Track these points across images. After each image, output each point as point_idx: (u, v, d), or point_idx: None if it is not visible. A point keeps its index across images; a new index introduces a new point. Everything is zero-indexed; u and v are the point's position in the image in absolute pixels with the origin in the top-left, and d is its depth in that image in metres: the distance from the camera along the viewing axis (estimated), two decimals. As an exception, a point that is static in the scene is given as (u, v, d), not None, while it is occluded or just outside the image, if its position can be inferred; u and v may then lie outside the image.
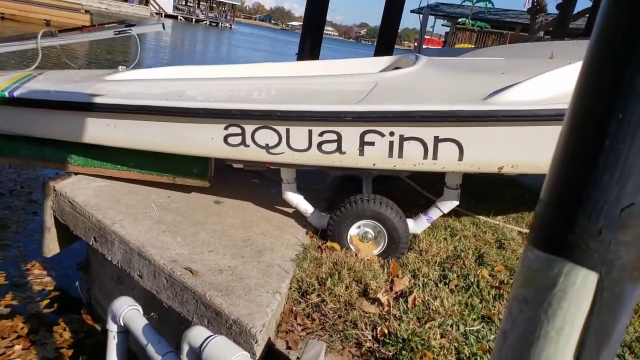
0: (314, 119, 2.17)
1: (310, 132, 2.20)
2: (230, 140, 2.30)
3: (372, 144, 2.17)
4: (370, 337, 1.82)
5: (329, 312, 1.94)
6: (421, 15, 11.61)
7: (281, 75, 3.05)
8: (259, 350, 1.68)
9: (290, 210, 2.77)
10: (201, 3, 57.87)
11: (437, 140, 2.13)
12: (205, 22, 54.28)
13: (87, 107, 2.44)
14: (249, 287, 1.94)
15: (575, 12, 12.79)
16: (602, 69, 0.49)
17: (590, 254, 0.47)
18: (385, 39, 8.48)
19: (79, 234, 2.54)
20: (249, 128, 2.26)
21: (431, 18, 27.19)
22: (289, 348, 1.77)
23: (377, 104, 2.15)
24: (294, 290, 2.06)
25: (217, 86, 2.57)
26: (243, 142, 2.29)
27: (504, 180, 3.91)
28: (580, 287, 0.48)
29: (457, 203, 2.54)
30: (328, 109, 2.15)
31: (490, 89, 2.16)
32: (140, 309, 1.94)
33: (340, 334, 1.85)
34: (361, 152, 2.20)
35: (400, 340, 1.77)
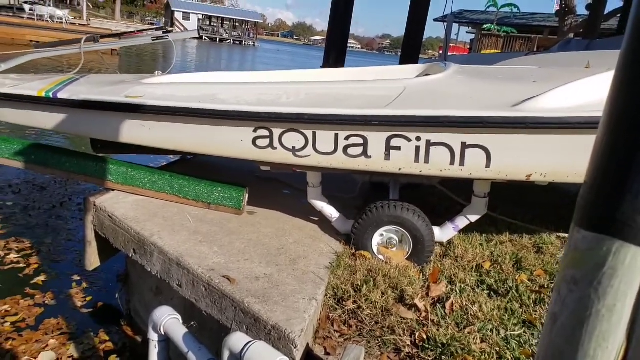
0: (340, 122, 2.19)
1: (336, 135, 2.22)
2: (259, 142, 2.35)
3: (398, 148, 2.17)
4: (409, 343, 1.80)
5: (365, 318, 1.94)
6: (445, 24, 11.56)
7: (310, 80, 3.09)
8: (298, 355, 1.69)
9: (322, 220, 2.79)
10: (225, 23, 59.32)
11: (464, 146, 2.11)
12: (229, 40, 55.60)
13: (124, 107, 2.54)
14: (285, 293, 1.97)
15: (606, 12, 12.48)
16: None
17: (638, 231, 0.47)
18: (410, 50, 8.47)
19: (119, 247, 2.63)
20: (276, 131, 2.30)
21: (455, 26, 27.01)
22: (327, 354, 1.78)
23: (404, 109, 2.15)
24: (329, 297, 2.06)
25: (248, 90, 2.63)
26: (271, 145, 2.34)
27: (539, 186, 3.83)
28: (630, 264, 0.48)
29: (485, 212, 2.50)
30: (354, 113, 2.16)
31: (520, 96, 2.13)
32: (180, 318, 1.99)
33: (378, 340, 1.84)
34: (387, 157, 2.20)
35: (440, 345, 1.75)
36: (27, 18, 25.88)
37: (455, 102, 2.24)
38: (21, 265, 3.56)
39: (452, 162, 2.13)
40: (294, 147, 2.31)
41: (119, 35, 3.79)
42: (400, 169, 2.22)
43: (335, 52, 7.50)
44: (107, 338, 2.93)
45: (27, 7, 28.87)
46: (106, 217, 2.66)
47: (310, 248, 2.45)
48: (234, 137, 2.39)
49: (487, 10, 27.48)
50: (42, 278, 3.43)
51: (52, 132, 3.02)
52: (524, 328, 1.88)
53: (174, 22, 47.71)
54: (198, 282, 2.10)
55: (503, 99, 2.15)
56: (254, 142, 2.35)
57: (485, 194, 2.44)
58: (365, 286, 2.08)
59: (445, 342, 1.75)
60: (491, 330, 1.84)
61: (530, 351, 1.72)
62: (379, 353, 1.78)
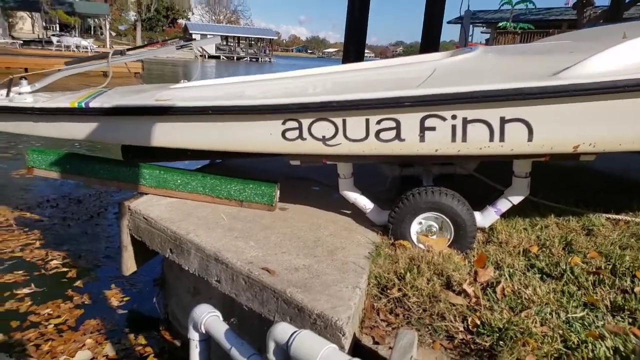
0: (370, 106, 2.11)
1: (367, 120, 2.14)
2: (288, 134, 2.30)
3: (433, 129, 2.07)
4: (461, 329, 1.70)
5: (412, 306, 1.85)
6: (460, 25, 11.42)
7: (335, 71, 3.03)
8: (346, 343, 1.61)
9: (356, 213, 2.71)
10: (241, 42, 60.30)
11: (503, 121, 2.01)
12: (245, 58, 56.54)
13: (154, 111, 2.55)
14: (327, 283, 1.89)
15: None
16: None
17: None
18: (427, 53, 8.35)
19: (155, 248, 2.60)
20: (305, 121, 2.24)
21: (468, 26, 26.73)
22: (376, 343, 1.69)
23: (437, 87, 2.06)
24: (372, 287, 1.98)
25: (274, 85, 2.60)
26: (300, 136, 2.28)
27: (576, 169, 3.68)
28: None
29: (527, 193, 2.38)
30: (385, 96, 2.08)
31: (559, 66, 2.02)
32: (220, 315, 1.94)
33: (428, 328, 1.74)
34: (422, 139, 2.10)
35: (496, 330, 1.64)
36: (55, 49, 27.07)
37: (489, 77, 2.14)
38: (63, 272, 3.65)
39: (491, 139, 2.03)
40: (324, 137, 2.24)
41: (144, 46, 3.84)
42: (436, 150, 2.12)
43: (352, 60, 7.46)
44: (145, 342, 2.91)
45: (54, 39, 30.37)
46: (141, 220, 2.65)
47: (346, 240, 2.38)
48: (263, 131, 2.35)
49: (501, 8, 27.03)
50: (81, 284, 3.50)
51: (87, 141, 3.06)
52: (585, 310, 1.75)
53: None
54: (237, 275, 2.04)
55: (540, 70, 2.06)
56: (283, 134, 2.31)
57: (526, 173, 2.32)
58: (409, 274, 1.99)
59: (501, 326, 1.65)
60: (550, 313, 1.72)
61: (597, 332, 1.59)
62: (431, 340, 1.69)
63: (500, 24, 26.02)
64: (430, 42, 8.32)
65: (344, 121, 2.19)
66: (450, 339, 1.69)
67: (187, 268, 2.35)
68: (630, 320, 1.70)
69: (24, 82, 3.07)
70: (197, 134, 2.53)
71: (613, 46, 1.98)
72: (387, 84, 2.26)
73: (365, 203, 2.59)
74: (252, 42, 62.09)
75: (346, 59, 7.49)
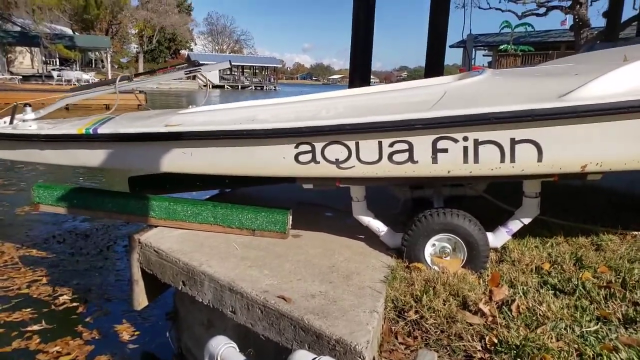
0: (383, 129, 2.16)
1: (380, 143, 2.19)
2: (301, 158, 2.33)
3: (445, 150, 2.13)
4: (479, 348, 1.72)
5: (430, 327, 1.86)
6: (462, 48, 11.64)
7: (346, 95, 3.07)
8: (366, 367, 1.63)
9: (370, 237, 2.75)
10: (245, 70, 61.23)
11: (513, 142, 2.06)
12: (250, 87, 57.23)
13: (164, 136, 2.56)
14: (344, 308, 1.92)
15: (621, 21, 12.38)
16: None
17: None
18: (432, 77, 8.48)
19: (167, 281, 2.61)
20: (318, 144, 2.28)
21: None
22: (395, 366, 1.71)
23: (448, 110, 2.12)
24: (389, 310, 2.00)
25: (286, 108, 2.63)
26: (313, 159, 2.31)
27: (583, 189, 3.72)
28: None
29: (537, 213, 2.42)
30: (397, 118, 2.14)
31: (565, 88, 2.09)
32: (236, 346, 1.96)
33: (446, 349, 1.76)
34: (434, 160, 2.15)
35: (514, 347, 1.66)
36: (56, 83, 27.19)
37: (499, 99, 2.20)
38: (72, 308, 3.63)
39: (502, 160, 2.08)
40: (337, 160, 2.28)
41: (154, 72, 3.81)
42: (449, 172, 2.17)
43: (358, 86, 7.57)
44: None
45: (55, 73, 30.38)
46: (152, 253, 2.67)
47: (361, 264, 2.41)
48: (275, 154, 2.38)
49: (502, 32, 27.65)
50: (92, 319, 3.47)
51: (95, 168, 3.05)
52: (599, 324, 1.77)
53: (196, 75, 49.48)
54: (253, 305, 2.07)
55: (548, 92, 2.11)
56: (296, 158, 2.34)
57: (536, 193, 2.36)
58: (425, 296, 2.01)
59: (518, 343, 1.66)
60: (565, 328, 1.74)
61: (612, 345, 1.61)
62: (450, 361, 1.70)
63: (501, 47, 26.55)
64: (434, 66, 8.48)
65: (357, 144, 2.23)
66: (469, 358, 1.70)
67: (200, 300, 2.36)
68: (644, 332, 1.71)
69: (28, 109, 3.04)
70: (208, 158, 2.55)
71: (615, 69, 2.05)
72: (398, 107, 2.30)
73: (378, 226, 2.62)
74: (257, 71, 62.96)
75: (352, 85, 7.61)
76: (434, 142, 2.13)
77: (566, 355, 1.58)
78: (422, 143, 2.15)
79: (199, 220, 2.87)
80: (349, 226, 2.89)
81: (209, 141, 2.49)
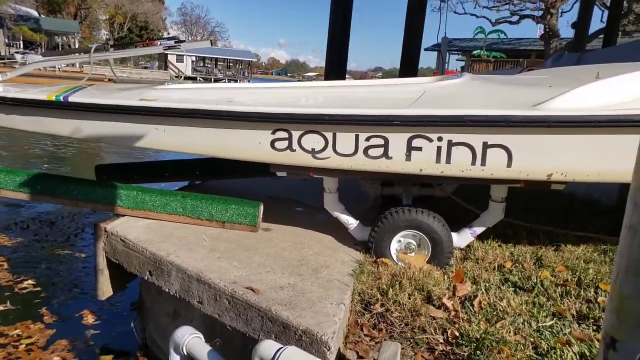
0: (361, 123, 2.18)
1: (357, 136, 2.21)
2: (277, 144, 2.33)
3: (419, 149, 2.17)
4: (441, 340, 1.77)
5: (395, 320, 1.91)
6: (436, 52, 11.81)
7: (328, 85, 3.07)
8: (331, 358, 1.66)
9: (339, 232, 2.78)
10: (218, 63, 60.39)
11: (486, 146, 2.11)
12: (223, 80, 56.42)
13: (137, 110, 2.50)
14: (311, 300, 1.94)
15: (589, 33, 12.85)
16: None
17: None
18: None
19: (133, 270, 2.57)
20: (295, 132, 2.28)
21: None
22: (360, 357, 1.74)
23: (426, 109, 2.16)
24: (356, 303, 2.04)
25: (266, 93, 2.61)
26: (289, 147, 2.31)
27: (546, 193, 3.85)
28: None
29: (502, 217, 2.49)
30: (376, 113, 2.16)
31: (539, 98, 2.15)
32: (202, 336, 1.95)
33: (410, 341, 1.81)
34: (408, 158, 2.19)
35: (474, 340, 1.72)
36: (19, 67, 26.21)
37: (476, 103, 2.25)
38: (34, 292, 3.53)
39: (473, 162, 2.13)
40: (313, 149, 2.29)
41: (131, 44, 3.66)
42: (421, 170, 2.21)
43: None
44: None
45: (18, 56, 29.11)
46: (118, 242, 2.63)
47: (330, 258, 2.44)
48: (251, 139, 2.37)
49: (475, 37, 28.27)
50: (54, 306, 3.39)
51: (63, 137, 2.91)
52: (554, 319, 1.86)
53: (168, 65, 48.54)
54: (220, 295, 2.07)
55: (523, 100, 2.17)
56: (272, 144, 2.34)
57: (502, 198, 2.44)
58: (391, 289, 2.06)
59: (478, 336, 1.73)
60: (523, 323, 1.82)
61: (565, 339, 1.69)
62: (413, 353, 1.74)
63: (474, 52, 27.12)
64: (408, 68, 8.54)
65: (335, 135, 2.25)
66: (431, 350, 1.75)
67: (167, 290, 2.34)
68: (595, 327, 1.82)
69: None
70: (183, 137, 2.51)
71: (587, 84, 2.10)
72: (378, 102, 2.32)
73: (348, 219, 2.65)
74: (231, 64, 62.10)
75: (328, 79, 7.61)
76: (409, 140, 2.16)
77: (522, 348, 1.65)
78: (397, 140, 2.18)
79: (168, 210, 2.83)
80: (320, 221, 2.92)
81: (184, 119, 2.45)
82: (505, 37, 27.71)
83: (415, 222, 2.37)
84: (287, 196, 3.50)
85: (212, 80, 53.08)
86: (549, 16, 17.69)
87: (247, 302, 1.94)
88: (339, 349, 1.76)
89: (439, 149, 2.15)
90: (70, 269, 4.02)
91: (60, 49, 45.80)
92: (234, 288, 2.03)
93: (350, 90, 2.61)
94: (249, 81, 57.02)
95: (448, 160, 2.16)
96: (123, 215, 2.88)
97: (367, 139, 2.21)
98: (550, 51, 14.79)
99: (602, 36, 13.28)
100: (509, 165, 2.12)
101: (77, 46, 40.26)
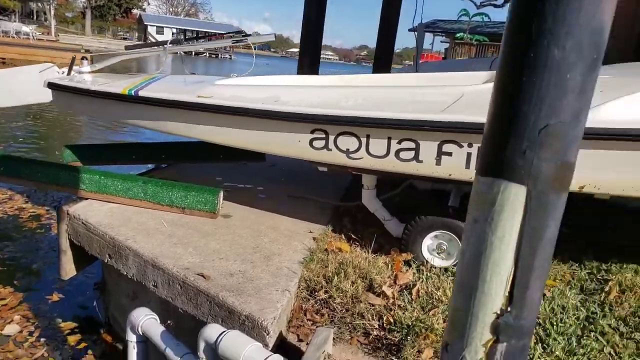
0: (393, 126, 2.23)
1: (389, 139, 2.26)
2: (315, 143, 2.42)
3: (449, 154, 2.17)
4: (376, 326, 1.90)
5: (337, 306, 2.03)
6: (416, 33, 11.81)
7: (371, 84, 3.11)
8: (271, 341, 1.77)
9: (297, 220, 2.87)
10: (199, 38, 59.06)
11: None
12: (204, 54, 55.39)
13: (193, 106, 2.67)
14: (259, 287, 2.04)
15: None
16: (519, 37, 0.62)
17: (518, 171, 0.58)
18: (382, 60, 8.63)
19: (94, 253, 2.65)
20: (332, 133, 2.37)
21: (430, 35, 27.54)
22: (300, 340, 1.86)
23: (459, 115, 2.14)
24: (302, 290, 2.15)
25: (310, 93, 2.67)
26: (326, 146, 2.40)
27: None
28: (513, 200, 0.59)
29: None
30: (407, 117, 2.20)
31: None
32: (157, 317, 2.05)
33: (348, 326, 1.93)
34: (438, 162, 2.20)
35: (405, 327, 1.85)
36: (-8, 34, 25.17)
37: None
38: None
39: None
40: (347, 150, 2.36)
41: (204, 37, 4.20)
42: (450, 175, 2.22)
43: (308, 61, 7.60)
44: (86, 344, 2.94)
45: (25, 28, 27.83)
46: (80, 225, 2.69)
47: (285, 246, 2.54)
48: (292, 137, 2.47)
49: (460, 19, 28.17)
50: (18, 288, 3.42)
51: (134, 126, 3.56)
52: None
53: (147, 37, 47.28)
54: (173, 281, 2.16)
55: None
56: (310, 143, 2.43)
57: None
58: (336, 277, 2.17)
59: (410, 323, 1.86)
60: (454, 312, 1.95)
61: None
62: (350, 337, 1.87)
63: (457, 35, 27.05)
64: (385, 48, 8.61)
65: (368, 137, 2.31)
66: (366, 335, 1.88)
67: (125, 273, 2.43)
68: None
69: (85, 62, 3.33)
70: (232, 131, 2.66)
71: (629, 94, 2.01)
72: (415, 105, 2.33)
73: (384, 214, 2.72)
74: (212, 38, 60.93)
75: (303, 58, 7.60)
76: (440, 145, 2.18)
77: (448, 335, 1.79)
78: (428, 144, 2.20)
79: (129, 195, 2.88)
80: (280, 209, 3.00)
81: (233, 116, 2.59)
82: (489, 20, 27.66)
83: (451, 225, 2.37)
84: (250, 183, 3.57)
85: (193, 54, 52.02)
86: None
87: (197, 288, 2.03)
88: (281, 332, 1.88)
89: (469, 155, 2.15)
90: (35, 247, 4.04)
91: (35, 16, 44.21)
92: (186, 274, 2.12)
93: (391, 91, 2.60)
94: (230, 56, 56.02)
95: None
96: (86, 199, 2.92)
97: (399, 142, 2.25)
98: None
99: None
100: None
101: (52, 13, 38.85)
